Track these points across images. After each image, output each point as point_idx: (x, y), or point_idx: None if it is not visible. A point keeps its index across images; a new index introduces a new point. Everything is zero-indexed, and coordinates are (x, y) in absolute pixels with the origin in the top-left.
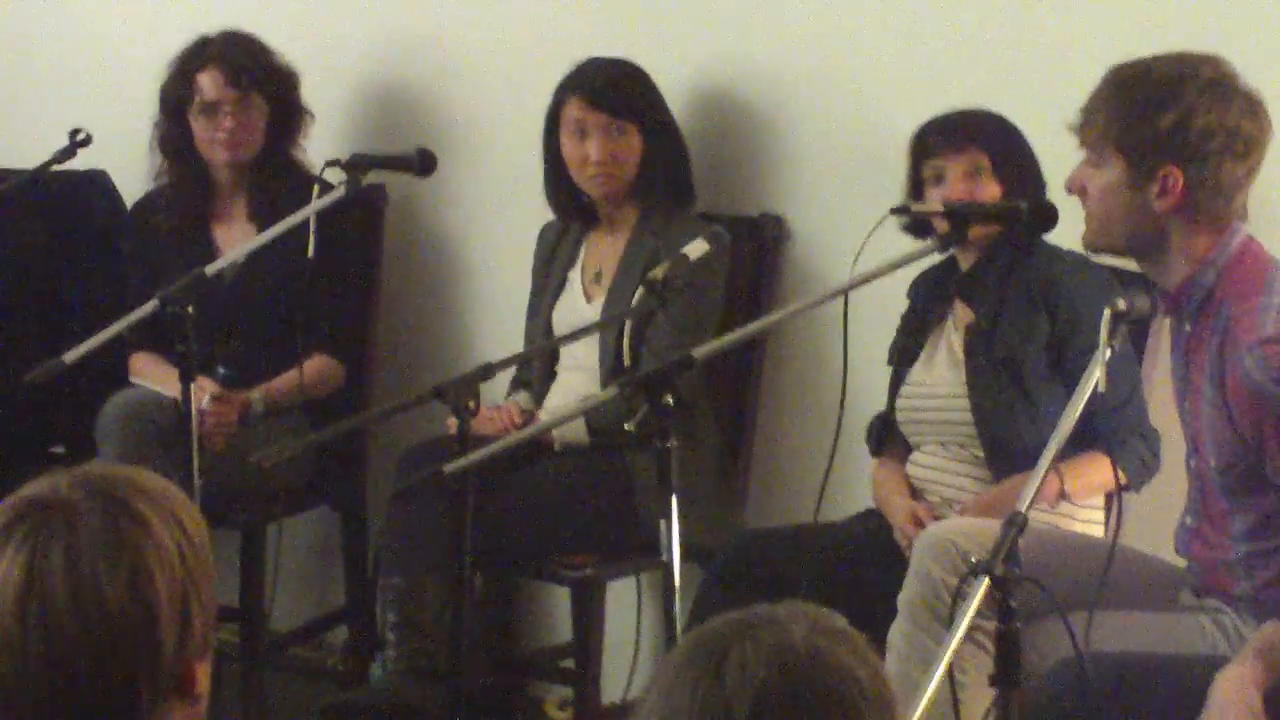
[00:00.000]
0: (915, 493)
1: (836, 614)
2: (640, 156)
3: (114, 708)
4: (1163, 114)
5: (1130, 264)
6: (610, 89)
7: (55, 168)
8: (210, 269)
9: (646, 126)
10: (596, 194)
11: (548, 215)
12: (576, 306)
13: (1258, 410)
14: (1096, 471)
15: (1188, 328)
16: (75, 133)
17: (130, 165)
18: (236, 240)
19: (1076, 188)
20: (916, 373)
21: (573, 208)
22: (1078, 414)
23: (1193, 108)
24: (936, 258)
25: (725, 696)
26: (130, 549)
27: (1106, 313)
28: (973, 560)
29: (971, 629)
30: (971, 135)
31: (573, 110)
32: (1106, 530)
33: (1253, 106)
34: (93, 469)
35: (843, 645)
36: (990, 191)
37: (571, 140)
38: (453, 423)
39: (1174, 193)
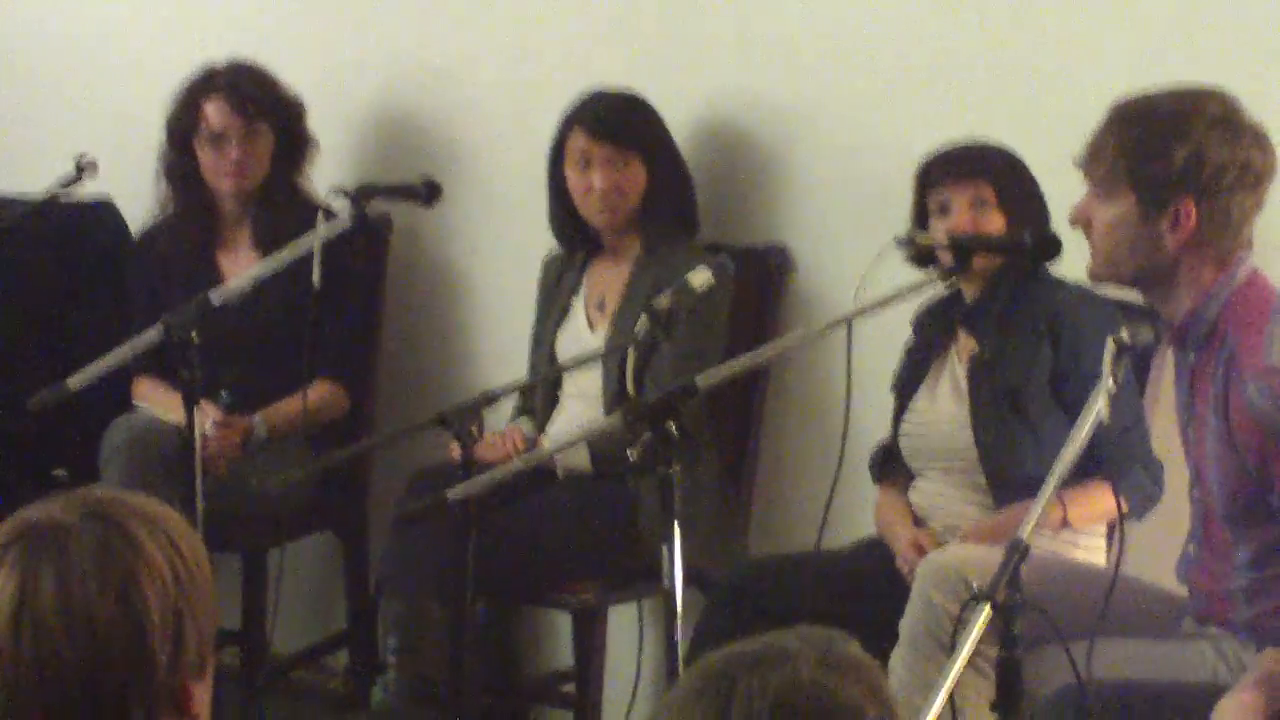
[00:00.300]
0: (918, 521)
1: (850, 639)
2: (644, 187)
3: None
4: (1176, 149)
5: (1133, 294)
6: (614, 120)
7: (61, 196)
8: (215, 296)
9: (650, 157)
10: (600, 224)
11: (551, 244)
12: (580, 335)
13: (1262, 440)
14: (1099, 500)
15: (1192, 358)
16: (80, 158)
17: (136, 194)
18: (241, 268)
19: (1082, 220)
20: (920, 402)
21: (577, 237)
22: (1081, 444)
23: (1204, 142)
24: (941, 288)
25: None
26: (121, 567)
27: (1110, 344)
28: (975, 587)
29: (973, 656)
30: (976, 167)
31: (577, 141)
32: (1108, 558)
33: (1259, 139)
34: (90, 493)
35: (851, 678)
36: (994, 223)
37: (576, 171)
38: (456, 449)
39: (1186, 227)
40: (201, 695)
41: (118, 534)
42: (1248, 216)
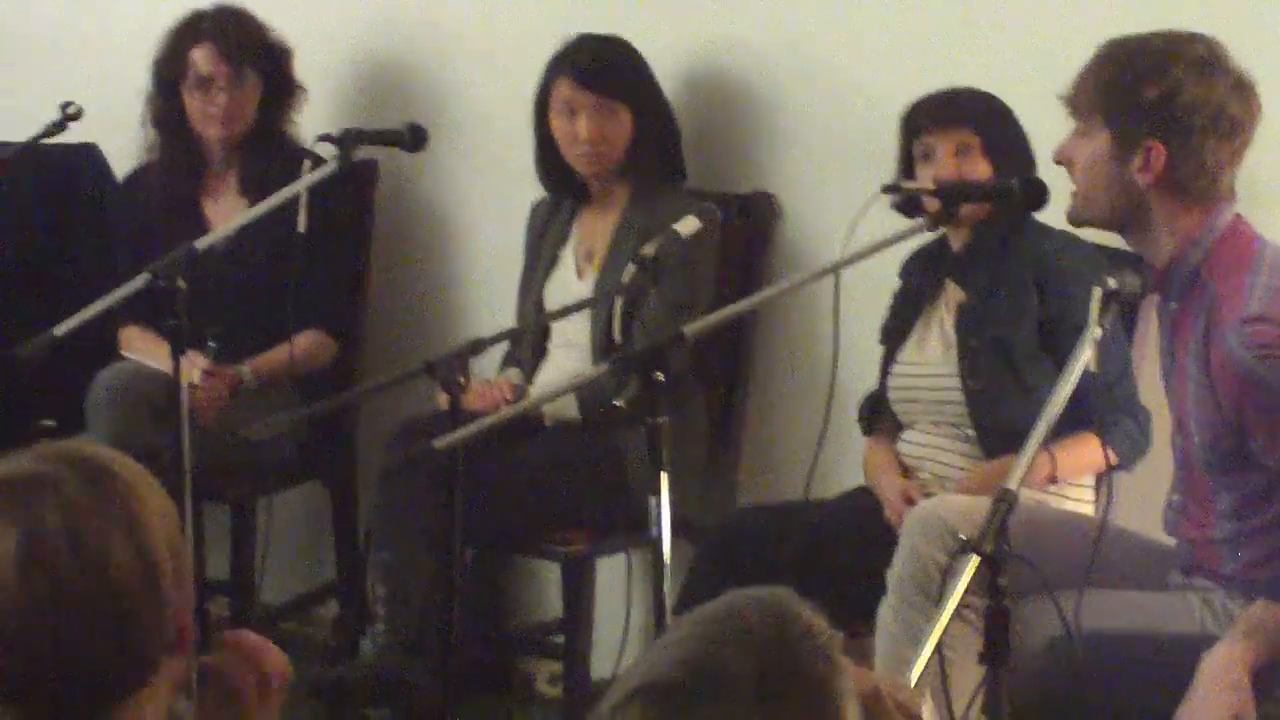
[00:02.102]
0: (906, 471)
1: (801, 601)
2: (630, 135)
3: (126, 666)
4: (1149, 87)
5: (1121, 242)
6: (599, 68)
7: (46, 141)
8: (201, 243)
9: (637, 105)
10: (587, 173)
11: (539, 192)
12: (568, 283)
13: (1241, 389)
14: (1087, 452)
15: (1174, 306)
16: (66, 106)
17: (121, 139)
18: (227, 215)
19: (1065, 158)
20: (908, 352)
21: (564, 185)
22: (1067, 393)
23: (1179, 83)
24: (928, 236)
25: (727, 686)
26: (122, 507)
27: (1097, 292)
28: (962, 538)
29: (960, 606)
30: (960, 113)
31: (562, 89)
32: (1096, 509)
33: (1241, 87)
34: (52, 445)
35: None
36: (979, 169)
37: (561, 119)
38: (443, 398)
39: (1155, 167)
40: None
41: (107, 475)
42: (1224, 165)
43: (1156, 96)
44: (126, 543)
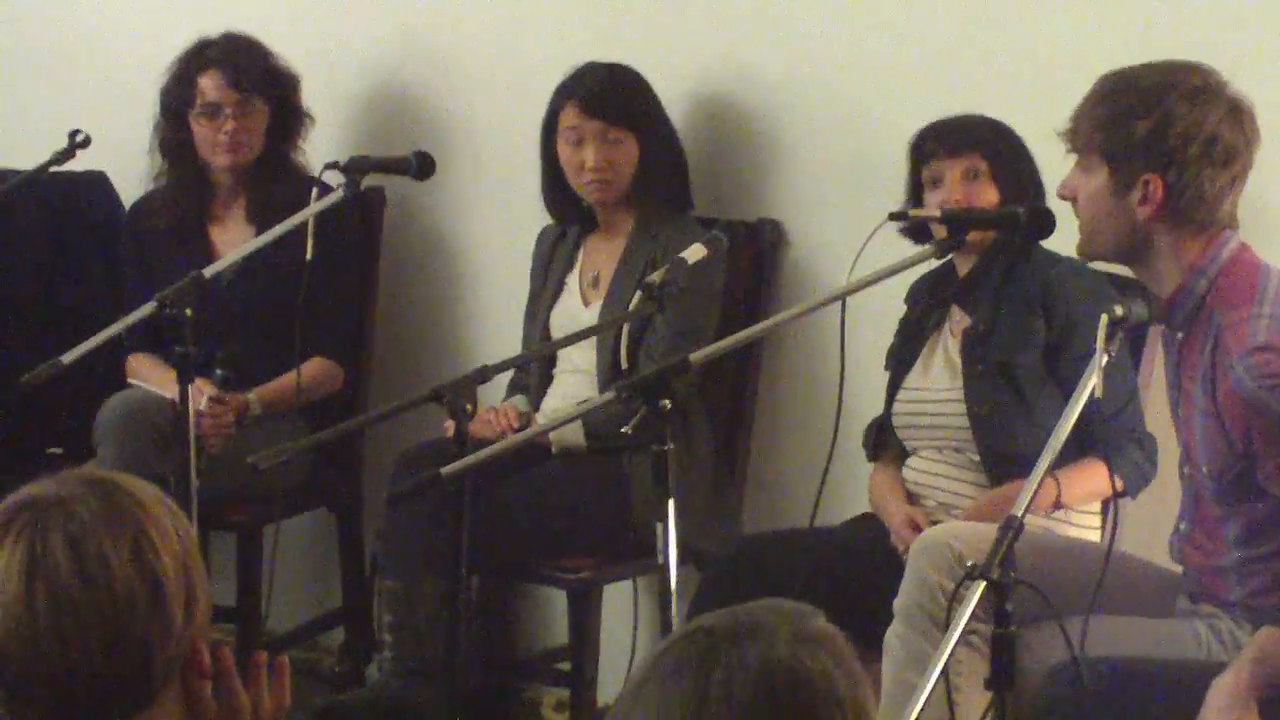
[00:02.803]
0: (912, 498)
1: (817, 612)
2: (636, 163)
3: (128, 684)
4: (1141, 121)
5: (1129, 270)
6: (606, 96)
7: (54, 169)
8: (209, 271)
9: (642, 133)
10: (593, 200)
11: (545, 219)
12: (574, 311)
13: (1248, 417)
14: (1093, 479)
15: (1180, 335)
16: (74, 134)
17: (129, 167)
18: (234, 242)
19: (1068, 193)
20: (913, 378)
21: (570, 212)
22: (1074, 419)
23: (1170, 114)
24: (934, 263)
25: (709, 711)
26: (130, 523)
27: (1103, 318)
28: (969, 564)
29: (967, 632)
30: (968, 140)
31: (569, 117)
32: (1103, 536)
33: (1236, 114)
34: (79, 470)
35: (824, 650)
36: (987, 196)
37: (568, 147)
38: (450, 425)
39: (1154, 200)
40: (207, 654)
41: (122, 494)
42: (1222, 193)
43: (1149, 130)
44: (130, 558)
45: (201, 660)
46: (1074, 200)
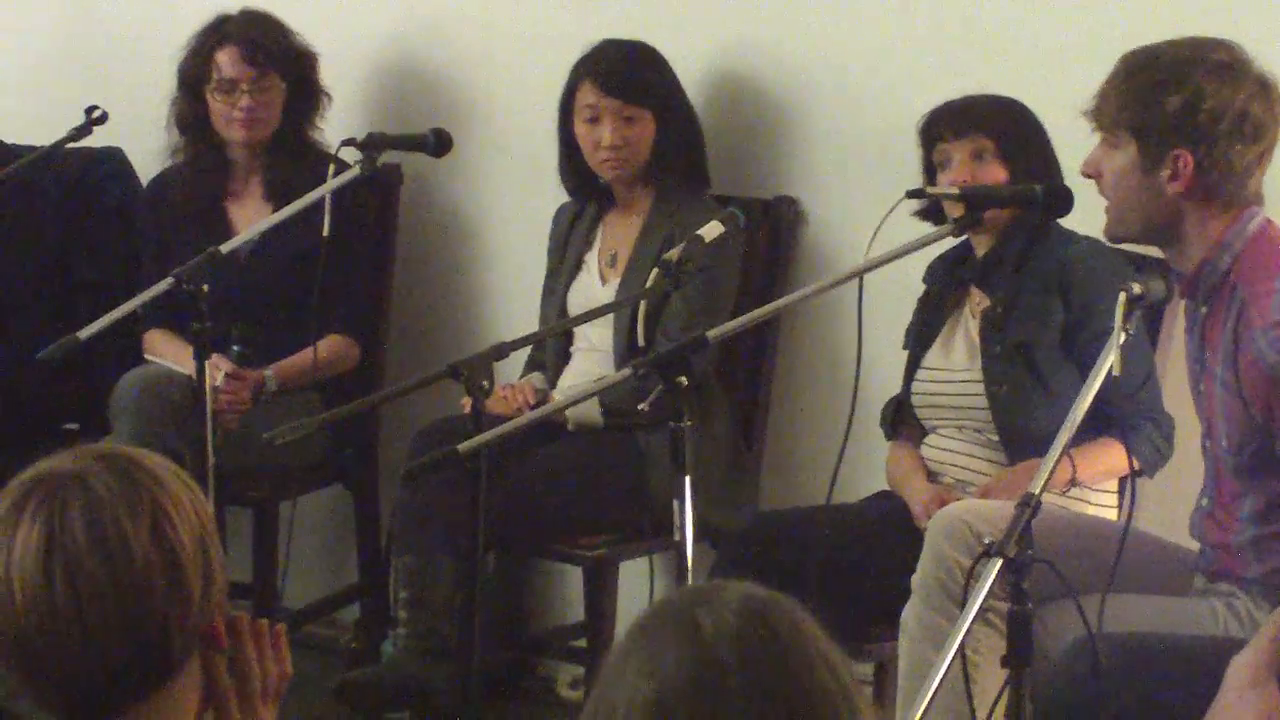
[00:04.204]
0: (930, 476)
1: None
2: (653, 141)
3: (147, 661)
4: (1171, 96)
5: (1146, 248)
6: (623, 75)
7: (70, 145)
8: (225, 247)
9: (659, 111)
10: (609, 177)
11: (563, 196)
12: (591, 288)
13: (1270, 392)
14: (1109, 457)
15: (1203, 310)
16: (91, 110)
17: (146, 143)
18: (251, 219)
19: (1093, 171)
20: (932, 357)
21: (588, 189)
22: (1091, 398)
23: (1201, 90)
24: (952, 241)
25: (710, 651)
26: (148, 499)
27: (1121, 296)
28: (986, 542)
29: (984, 610)
30: (973, 121)
31: (586, 95)
32: (1119, 514)
33: (1264, 90)
34: (95, 446)
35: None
36: (995, 175)
37: (584, 125)
38: (467, 402)
39: (1184, 176)
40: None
41: (139, 470)
42: (1251, 168)
43: (1180, 106)
44: (149, 535)
45: (219, 635)
46: (1098, 178)
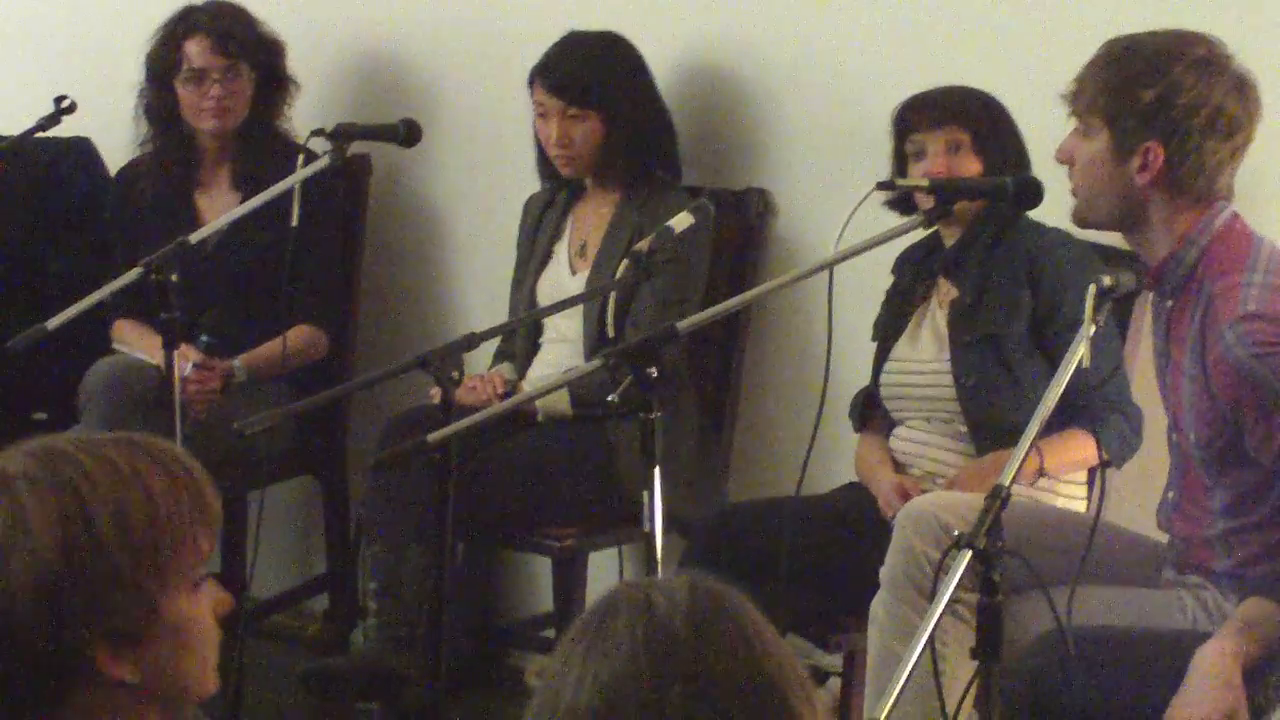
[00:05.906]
0: (899, 467)
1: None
2: (600, 141)
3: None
4: (1147, 88)
5: (1116, 240)
6: (568, 76)
7: (39, 135)
8: (194, 237)
9: (607, 112)
10: (563, 174)
11: (532, 186)
12: (561, 279)
13: (1237, 386)
14: (1078, 449)
15: (1169, 303)
16: (60, 100)
17: (114, 133)
18: (220, 209)
19: (1065, 157)
20: (901, 348)
21: (561, 178)
22: (1061, 390)
23: (1178, 84)
24: (921, 233)
25: (663, 623)
26: (65, 492)
27: (1091, 289)
28: (955, 533)
29: (953, 602)
30: (950, 111)
31: (537, 92)
32: (1088, 506)
33: (1241, 87)
34: (42, 440)
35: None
36: (970, 167)
37: (539, 120)
38: (436, 392)
39: (1154, 168)
40: (188, 605)
41: (62, 464)
42: (1222, 164)
43: (1155, 98)
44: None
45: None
46: (1071, 165)
